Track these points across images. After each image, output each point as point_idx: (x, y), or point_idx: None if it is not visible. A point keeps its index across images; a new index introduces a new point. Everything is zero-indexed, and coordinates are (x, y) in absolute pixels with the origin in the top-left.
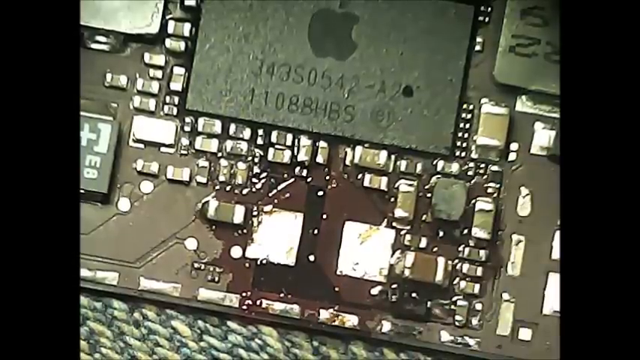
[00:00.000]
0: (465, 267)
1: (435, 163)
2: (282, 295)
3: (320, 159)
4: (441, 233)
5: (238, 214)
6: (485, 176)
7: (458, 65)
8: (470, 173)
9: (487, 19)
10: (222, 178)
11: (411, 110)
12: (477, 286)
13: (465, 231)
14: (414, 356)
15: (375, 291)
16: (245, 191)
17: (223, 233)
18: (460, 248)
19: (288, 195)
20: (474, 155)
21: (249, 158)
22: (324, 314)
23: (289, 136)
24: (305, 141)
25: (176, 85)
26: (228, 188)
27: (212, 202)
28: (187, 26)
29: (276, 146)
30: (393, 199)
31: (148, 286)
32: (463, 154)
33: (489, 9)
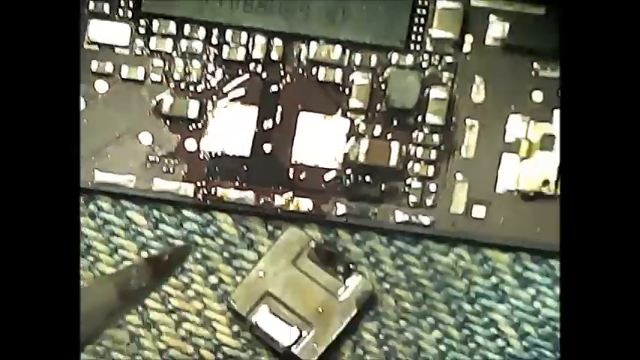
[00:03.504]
0: (419, 151)
1: (389, 56)
2: (237, 183)
3: (275, 56)
4: (395, 121)
5: (193, 109)
6: (439, 67)
7: None
8: (424, 65)
9: None
10: (176, 77)
11: (365, 6)
12: (431, 168)
13: (419, 118)
14: (368, 236)
15: (329, 176)
16: (200, 88)
17: (178, 127)
18: (414, 134)
19: (242, 90)
20: (428, 48)
21: (204, 57)
22: (279, 200)
23: (244, 35)
24: (260, 39)
25: None
26: (182, 86)
27: (167, 98)
28: None
29: (231, 45)
30: (347, 91)
31: (102, 179)
32: (418, 47)
33: None
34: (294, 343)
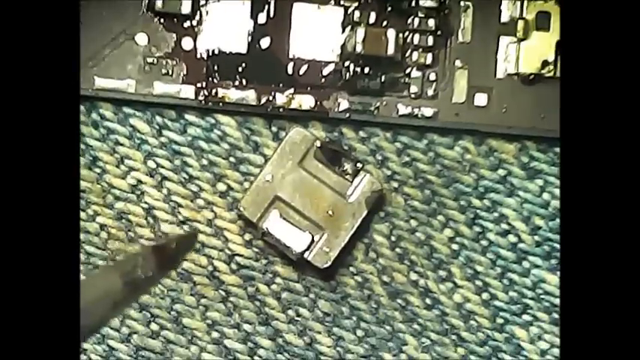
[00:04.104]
0: (416, 38)
1: None
2: (237, 82)
3: None
4: (389, 7)
5: (186, 5)
6: None
7: None
8: None
9: None
10: None
11: None
12: (430, 56)
13: (413, 2)
14: (373, 133)
15: (328, 70)
16: None
17: (173, 26)
18: (409, 20)
19: None
20: None
21: None
22: (281, 98)
23: None
24: None
25: None
26: None
27: None
28: None
29: None
30: None
31: (102, 85)
32: None
33: None
34: (306, 249)
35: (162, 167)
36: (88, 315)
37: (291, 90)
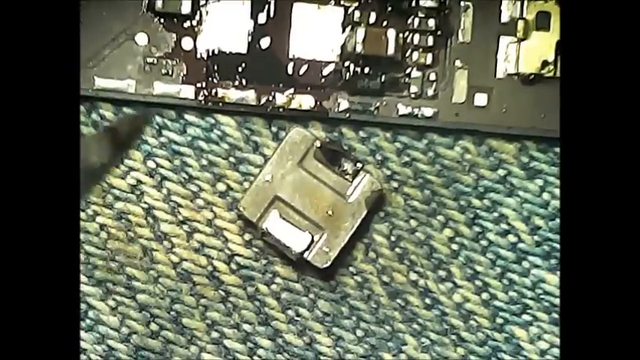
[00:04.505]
0: (416, 38)
1: None
2: (236, 82)
3: None
4: (389, 7)
5: (186, 5)
6: None
7: None
8: None
9: None
10: None
11: None
12: (430, 56)
13: (413, 2)
14: (373, 132)
15: (328, 70)
16: None
17: (173, 26)
18: (409, 20)
19: None
20: None
21: None
22: (280, 98)
23: None
24: None
25: None
26: None
27: None
28: None
29: None
30: None
31: (102, 85)
32: None
33: None
34: (306, 249)
35: (162, 167)
36: None
37: (291, 90)
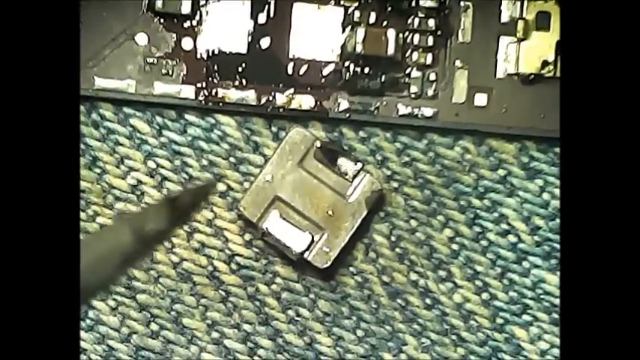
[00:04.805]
0: (416, 38)
1: None
2: (236, 82)
3: None
4: (389, 7)
5: (186, 5)
6: None
7: None
8: None
9: None
10: None
11: None
12: (430, 56)
13: (413, 2)
14: (373, 132)
15: (328, 70)
16: None
17: (173, 26)
18: (409, 20)
19: None
20: None
21: None
22: (281, 98)
23: None
24: None
25: None
26: None
27: None
28: None
29: None
30: None
31: (102, 85)
32: None
33: None
34: (306, 249)
35: (163, 167)
36: (97, 271)
37: (291, 90)
